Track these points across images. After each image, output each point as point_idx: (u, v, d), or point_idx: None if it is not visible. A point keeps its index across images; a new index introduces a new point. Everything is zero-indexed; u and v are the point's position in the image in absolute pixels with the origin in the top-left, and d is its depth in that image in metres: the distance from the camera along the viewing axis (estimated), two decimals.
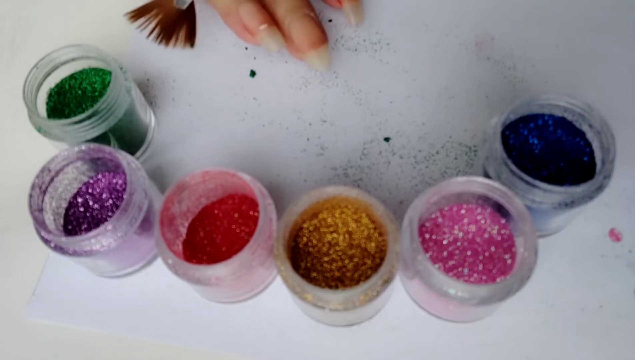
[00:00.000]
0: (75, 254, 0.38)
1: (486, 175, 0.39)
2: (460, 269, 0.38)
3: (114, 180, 0.42)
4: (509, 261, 0.38)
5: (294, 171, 0.45)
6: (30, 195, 0.38)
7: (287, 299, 0.40)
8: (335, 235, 0.39)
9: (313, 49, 0.45)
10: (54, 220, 0.40)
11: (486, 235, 0.38)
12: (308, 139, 0.46)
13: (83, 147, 0.39)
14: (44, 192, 0.39)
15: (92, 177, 0.42)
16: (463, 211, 0.39)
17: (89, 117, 0.41)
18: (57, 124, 0.41)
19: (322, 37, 0.46)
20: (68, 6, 0.54)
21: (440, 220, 0.39)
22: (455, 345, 0.39)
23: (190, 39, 0.51)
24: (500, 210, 0.38)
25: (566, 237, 0.42)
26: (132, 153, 0.45)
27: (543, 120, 0.40)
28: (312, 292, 0.35)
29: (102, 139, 0.42)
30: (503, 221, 0.39)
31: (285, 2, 0.46)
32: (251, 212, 0.41)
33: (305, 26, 0.45)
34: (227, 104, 0.48)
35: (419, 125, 0.46)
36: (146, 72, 0.50)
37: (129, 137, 0.44)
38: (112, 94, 0.41)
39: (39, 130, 0.42)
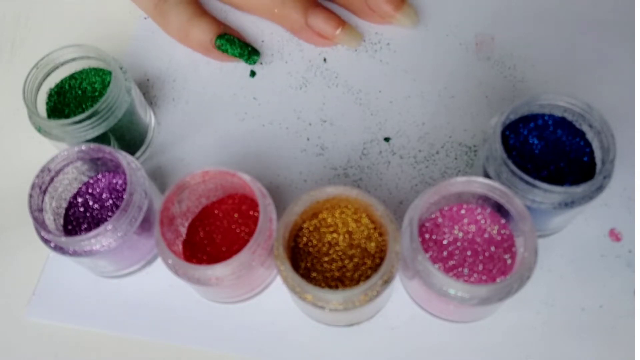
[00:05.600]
0: (75, 254, 0.38)
1: (486, 175, 0.39)
2: (460, 269, 0.38)
3: (114, 180, 0.42)
4: (509, 261, 0.38)
5: (294, 171, 0.45)
6: (30, 195, 0.38)
7: (287, 299, 0.40)
8: (335, 235, 0.39)
9: (399, 10, 0.48)
10: (54, 220, 0.40)
11: (486, 235, 0.38)
12: (308, 139, 0.46)
13: (83, 147, 0.39)
14: (44, 192, 0.39)
15: (92, 177, 0.42)
16: (463, 211, 0.39)
17: (89, 117, 0.41)
18: (57, 124, 0.41)
19: None
20: (68, 6, 0.54)
21: (440, 220, 0.39)
22: (455, 345, 0.39)
23: None
24: (500, 210, 0.38)
25: (566, 237, 0.42)
26: (132, 153, 0.45)
27: (543, 120, 0.40)
28: (312, 292, 0.35)
29: (102, 139, 0.42)
30: (503, 221, 0.39)
31: None
32: (251, 212, 0.41)
33: None
34: (227, 104, 0.48)
35: (419, 125, 0.46)
36: (146, 72, 0.50)
37: (129, 137, 0.44)
38: (112, 94, 0.41)
39: (39, 130, 0.42)
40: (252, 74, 0.49)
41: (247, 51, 0.48)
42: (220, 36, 0.48)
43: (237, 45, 0.48)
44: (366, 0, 0.48)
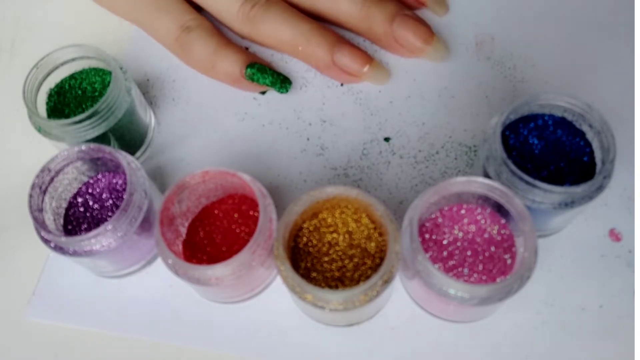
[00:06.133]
0: (75, 254, 0.38)
1: (486, 175, 0.39)
2: (460, 269, 0.38)
3: (114, 180, 0.42)
4: (509, 261, 0.38)
5: (294, 171, 0.45)
6: (30, 195, 0.38)
7: (287, 299, 0.40)
8: (335, 235, 0.39)
9: (428, 45, 0.46)
10: (54, 220, 0.40)
11: (486, 235, 0.38)
12: (308, 139, 0.46)
13: (83, 147, 0.39)
14: (44, 192, 0.39)
15: (92, 177, 0.42)
16: (463, 211, 0.39)
17: (88, 117, 0.41)
18: (57, 124, 0.41)
19: (429, 31, 0.46)
20: (68, 6, 0.54)
21: (440, 220, 0.39)
22: (455, 345, 0.39)
23: None
24: (500, 210, 0.38)
25: (566, 237, 0.42)
26: (132, 153, 0.45)
27: (543, 120, 0.40)
28: (312, 292, 0.35)
29: (102, 139, 0.42)
30: (503, 221, 0.39)
31: (379, 14, 0.46)
32: (251, 212, 0.41)
33: (410, 27, 0.46)
34: (227, 104, 0.48)
35: (419, 125, 0.46)
36: (146, 72, 0.50)
37: (128, 137, 0.44)
38: (112, 94, 0.41)
39: (39, 130, 0.42)
40: None
41: (280, 80, 0.46)
42: (250, 65, 0.46)
43: (268, 73, 0.46)
44: (394, 35, 0.46)
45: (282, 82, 0.46)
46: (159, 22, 0.48)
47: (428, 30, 0.46)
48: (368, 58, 0.46)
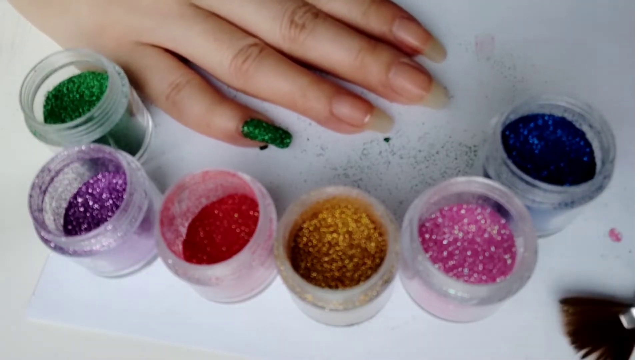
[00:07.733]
0: (75, 254, 0.38)
1: (486, 175, 0.39)
2: (460, 269, 0.38)
3: (114, 180, 0.42)
4: (509, 261, 0.38)
5: (294, 171, 0.45)
6: (30, 195, 0.38)
7: (287, 299, 0.40)
8: (335, 235, 0.39)
9: (426, 92, 0.44)
10: (54, 220, 0.40)
11: (486, 235, 0.38)
12: (308, 139, 0.46)
13: (83, 147, 0.39)
14: (44, 192, 0.39)
15: (92, 177, 0.42)
16: (463, 211, 0.39)
17: (84, 122, 0.40)
18: (52, 129, 0.40)
19: (427, 78, 0.44)
20: None
21: (440, 220, 0.39)
22: (455, 345, 0.39)
23: None
24: (500, 210, 0.38)
25: (566, 237, 0.42)
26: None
27: (543, 120, 0.40)
28: (312, 292, 0.35)
29: (99, 143, 0.42)
30: (503, 221, 0.39)
31: (374, 64, 0.43)
32: (251, 212, 0.41)
33: (407, 76, 0.44)
34: None
35: (419, 125, 0.46)
36: None
37: (125, 141, 0.44)
38: (108, 99, 0.41)
39: (35, 134, 0.42)
40: None
41: (279, 135, 0.44)
42: (246, 122, 0.44)
43: (267, 129, 0.44)
44: (391, 85, 0.44)
45: (282, 137, 0.44)
46: (147, 81, 0.45)
47: (426, 78, 0.44)
48: (369, 107, 0.44)
